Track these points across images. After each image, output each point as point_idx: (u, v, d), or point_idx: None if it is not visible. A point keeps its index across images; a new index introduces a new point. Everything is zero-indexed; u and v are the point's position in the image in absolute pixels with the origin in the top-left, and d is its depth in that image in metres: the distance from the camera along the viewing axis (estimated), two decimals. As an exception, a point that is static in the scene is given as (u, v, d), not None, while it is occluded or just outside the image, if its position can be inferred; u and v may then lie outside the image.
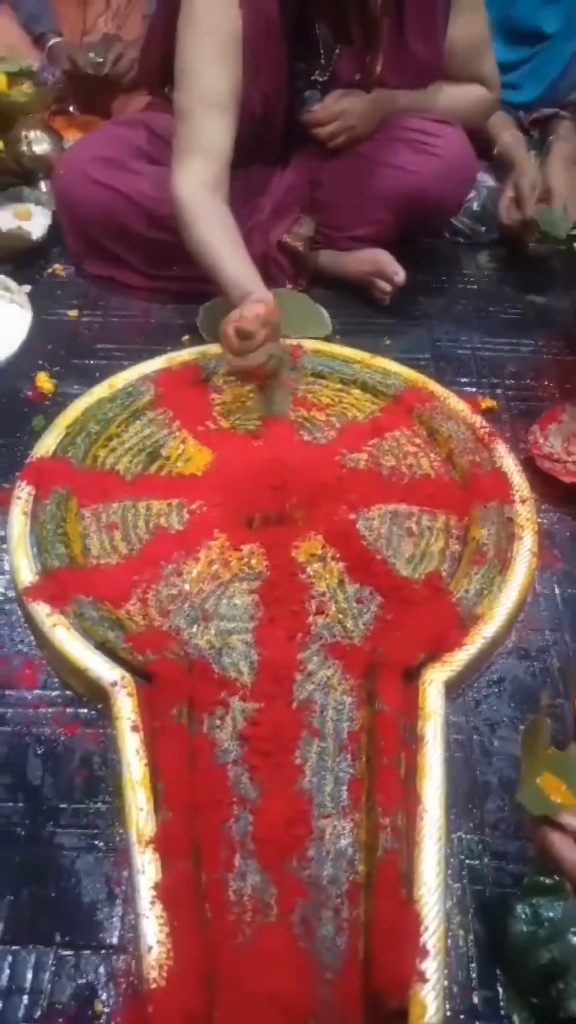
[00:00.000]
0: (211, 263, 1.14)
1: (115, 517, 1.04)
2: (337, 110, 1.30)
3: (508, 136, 1.60)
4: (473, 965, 0.71)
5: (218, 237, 1.15)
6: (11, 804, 0.80)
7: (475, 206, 1.59)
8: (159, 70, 1.35)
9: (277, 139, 1.35)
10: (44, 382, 1.26)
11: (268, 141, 1.34)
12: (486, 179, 1.66)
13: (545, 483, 1.11)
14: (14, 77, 1.59)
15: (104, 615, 0.91)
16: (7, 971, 0.70)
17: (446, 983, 0.67)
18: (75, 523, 1.02)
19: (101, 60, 1.77)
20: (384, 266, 1.39)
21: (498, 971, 0.70)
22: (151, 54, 1.36)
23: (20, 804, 0.80)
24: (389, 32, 1.23)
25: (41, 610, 0.90)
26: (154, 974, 0.65)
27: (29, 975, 0.69)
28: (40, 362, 1.30)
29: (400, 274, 1.38)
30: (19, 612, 0.96)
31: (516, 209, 1.52)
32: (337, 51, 1.29)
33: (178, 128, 1.20)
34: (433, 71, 1.33)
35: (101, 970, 0.70)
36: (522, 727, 0.87)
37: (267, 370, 1.07)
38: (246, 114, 1.26)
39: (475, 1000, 0.69)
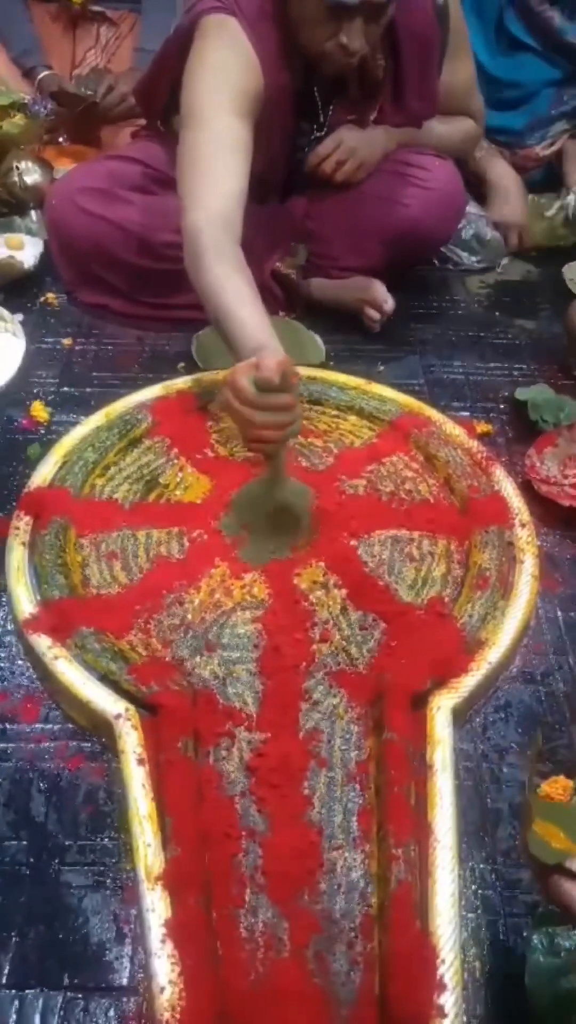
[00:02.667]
0: (224, 306, 1.02)
1: (115, 546, 1.03)
2: (335, 141, 1.33)
3: (499, 167, 1.63)
4: (491, 998, 0.69)
5: (235, 278, 1.03)
6: (15, 842, 0.78)
7: (464, 235, 1.62)
8: (163, 105, 1.37)
9: (276, 190, 1.39)
10: (39, 411, 1.25)
11: (267, 191, 1.37)
12: (473, 209, 1.70)
13: (543, 507, 1.12)
14: (6, 110, 1.61)
15: (106, 646, 0.90)
16: (14, 1016, 0.68)
17: (464, 1018, 0.66)
18: (74, 553, 1.01)
19: (92, 91, 1.79)
20: (374, 294, 1.41)
21: (517, 1003, 0.69)
22: (156, 90, 1.36)
23: (24, 842, 0.78)
24: (387, 91, 1.28)
25: (42, 642, 0.89)
26: (167, 1015, 0.64)
27: (37, 1019, 0.67)
28: (35, 391, 1.30)
29: (389, 303, 1.39)
30: (19, 645, 0.94)
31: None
32: (331, 107, 1.32)
33: (188, 168, 1.12)
34: (427, 118, 1.38)
35: (111, 1013, 0.68)
36: (529, 753, 0.87)
37: (282, 436, 0.91)
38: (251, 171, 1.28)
39: (494, 1034, 0.68)
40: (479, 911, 0.75)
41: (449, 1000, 0.65)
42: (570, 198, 1.65)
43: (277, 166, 1.32)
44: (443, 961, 0.67)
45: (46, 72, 1.88)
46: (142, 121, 1.58)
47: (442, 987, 0.66)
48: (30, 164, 1.66)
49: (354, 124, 1.33)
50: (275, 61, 1.18)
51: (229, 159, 1.12)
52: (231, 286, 1.03)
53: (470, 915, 0.74)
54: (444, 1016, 0.64)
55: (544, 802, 0.68)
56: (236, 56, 1.15)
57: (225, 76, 1.14)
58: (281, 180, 1.36)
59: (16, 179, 1.64)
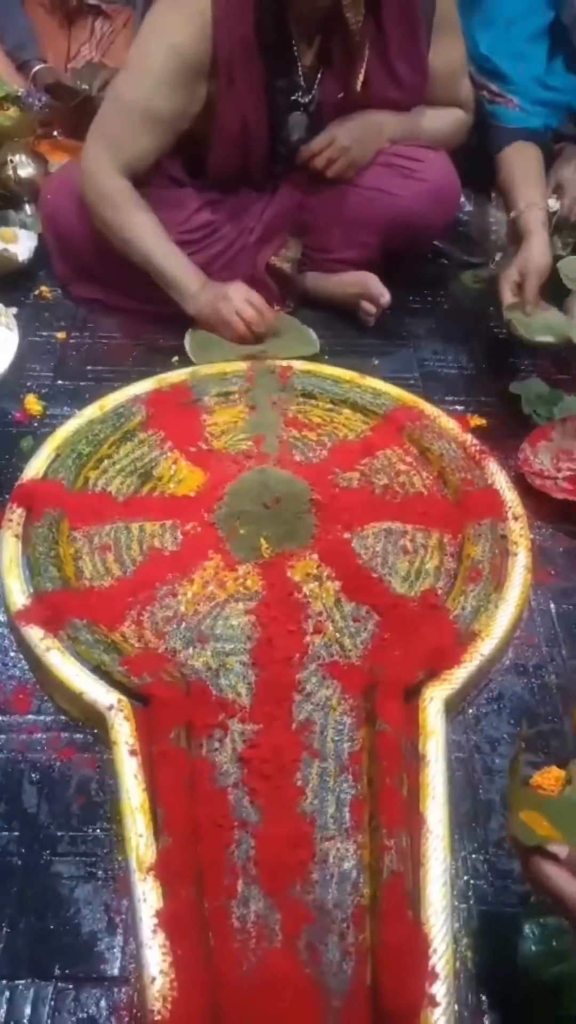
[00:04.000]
0: (152, 250, 1.27)
1: (108, 539, 1.03)
2: (328, 138, 1.32)
3: (524, 205, 1.37)
4: (483, 987, 0.69)
5: (156, 227, 1.26)
6: (6, 833, 0.78)
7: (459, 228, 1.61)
8: None
9: (262, 161, 1.36)
10: (33, 404, 1.25)
11: (253, 163, 1.35)
12: (467, 203, 1.70)
13: (537, 500, 1.12)
14: (0, 102, 1.60)
15: (99, 638, 0.89)
16: (5, 1006, 0.67)
17: (456, 1007, 0.66)
18: (67, 545, 1.01)
19: (86, 86, 1.79)
20: (370, 288, 1.41)
21: (508, 992, 0.69)
22: None
23: (16, 832, 0.78)
24: (373, 53, 1.26)
25: (35, 634, 0.89)
26: (158, 1006, 0.64)
27: (27, 1009, 0.67)
28: (28, 384, 1.30)
29: (385, 296, 1.39)
30: (11, 636, 0.94)
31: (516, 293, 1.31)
32: (320, 73, 1.31)
33: (109, 111, 1.26)
34: (418, 93, 1.36)
35: (102, 1003, 0.68)
36: (522, 743, 0.87)
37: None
38: (226, 137, 1.28)
39: (486, 1023, 0.67)
40: (471, 901, 0.75)
41: (441, 989, 0.65)
42: (554, 205, 1.61)
43: (255, 129, 1.29)
44: (435, 951, 0.67)
45: (40, 66, 1.88)
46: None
47: (434, 976, 0.66)
48: (24, 157, 1.65)
49: (343, 101, 1.31)
50: (241, 9, 1.18)
51: (145, 131, 1.25)
52: (155, 234, 1.26)
53: (462, 905, 0.74)
54: (436, 1005, 0.64)
55: (530, 793, 0.68)
56: (189, 20, 1.17)
57: (171, 42, 1.18)
58: (264, 148, 1.33)
59: (10, 172, 1.64)
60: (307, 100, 1.32)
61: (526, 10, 1.51)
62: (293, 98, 1.31)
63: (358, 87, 1.29)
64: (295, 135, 1.34)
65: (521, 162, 1.43)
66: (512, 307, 1.29)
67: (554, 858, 0.56)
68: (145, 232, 1.27)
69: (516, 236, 1.39)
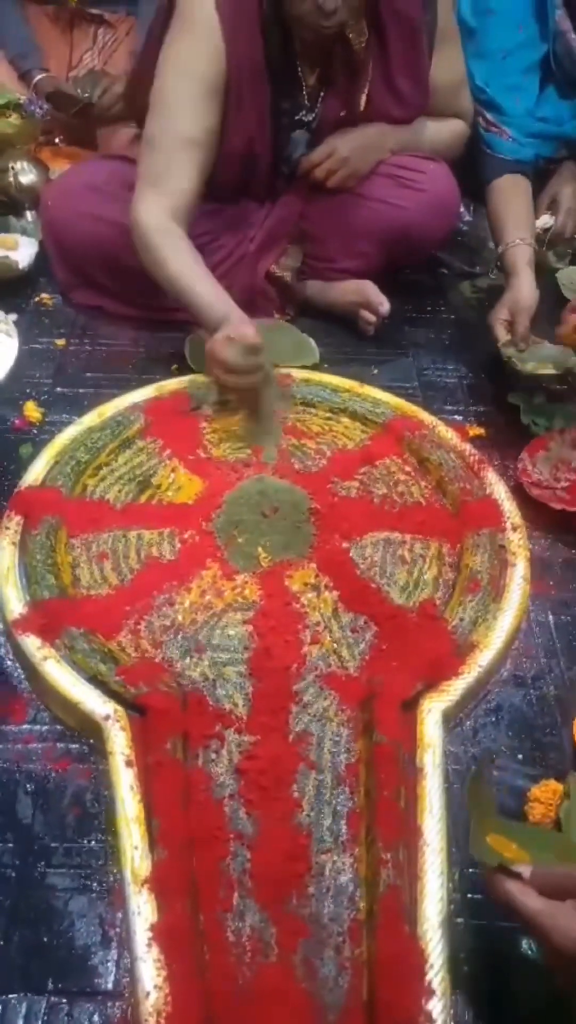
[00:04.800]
0: (183, 283, 1.18)
1: (105, 547, 1.02)
2: (328, 149, 1.33)
3: (515, 240, 1.41)
4: (479, 1003, 0.69)
5: (189, 261, 1.18)
6: (0, 844, 0.77)
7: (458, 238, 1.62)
8: (146, 104, 1.36)
9: (264, 177, 1.37)
10: (32, 411, 1.25)
11: (255, 179, 1.36)
12: (467, 213, 1.71)
13: (535, 510, 1.12)
14: (1, 109, 1.61)
15: (96, 647, 0.89)
16: (-3, 1021, 0.67)
17: (453, 1023, 0.65)
18: (65, 553, 1.01)
19: (88, 94, 1.80)
20: (369, 297, 1.41)
21: (505, 1009, 0.68)
22: (140, 88, 1.38)
23: (10, 844, 0.77)
24: (376, 72, 1.27)
25: (31, 643, 0.88)
26: (152, 1021, 0.63)
27: (20, 1024, 0.67)
28: (27, 391, 1.30)
29: (385, 305, 1.39)
30: (7, 645, 0.94)
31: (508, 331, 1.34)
32: (322, 92, 1.31)
33: (146, 156, 1.22)
34: (419, 109, 1.36)
35: (96, 1018, 0.67)
36: (520, 756, 0.86)
37: (259, 388, 1.15)
38: (229, 153, 1.28)
39: (482, 1040, 0.67)
40: (468, 916, 0.74)
41: (437, 1006, 0.64)
42: (539, 222, 1.62)
43: (259, 147, 1.30)
44: (431, 966, 0.67)
45: (42, 74, 1.88)
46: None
47: (430, 992, 0.65)
48: (26, 164, 1.66)
49: (345, 118, 1.32)
50: (249, 32, 1.19)
51: (184, 159, 1.21)
52: (186, 268, 1.19)
53: (459, 920, 0.74)
54: (432, 1021, 0.64)
55: (497, 820, 0.68)
56: (202, 40, 1.18)
57: (188, 65, 1.18)
58: (266, 166, 1.34)
59: (11, 179, 1.64)
60: (310, 119, 1.33)
61: (521, 44, 1.53)
62: (297, 117, 1.32)
63: (361, 106, 1.31)
64: (296, 152, 1.35)
65: (511, 196, 1.48)
66: (505, 344, 1.32)
67: (518, 876, 0.56)
68: (175, 268, 1.19)
69: (504, 270, 1.44)
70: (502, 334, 1.32)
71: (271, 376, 1.19)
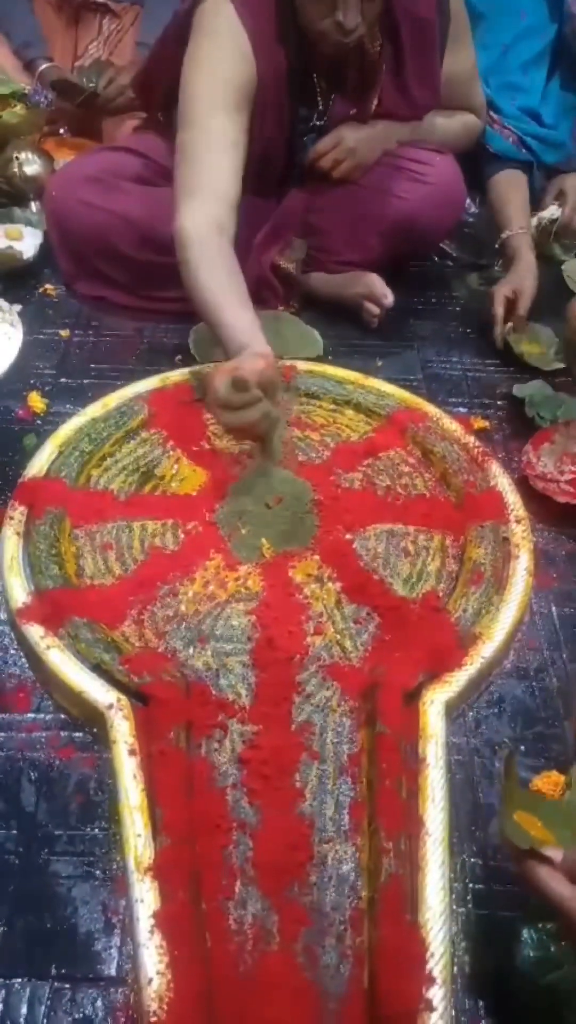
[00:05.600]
0: (212, 306, 1.07)
1: (109, 537, 1.03)
2: (335, 138, 1.32)
3: (518, 228, 1.48)
4: (480, 992, 0.69)
5: (223, 281, 1.09)
6: (4, 831, 0.78)
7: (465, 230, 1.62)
8: (162, 95, 1.36)
9: (275, 180, 1.38)
10: (36, 401, 1.25)
11: (266, 181, 1.36)
12: (473, 205, 1.70)
13: (539, 503, 1.12)
14: (6, 99, 1.61)
15: (99, 637, 0.89)
16: (0, 1005, 0.67)
17: (453, 1012, 0.65)
18: (68, 544, 1.01)
19: (92, 83, 1.79)
20: (374, 289, 1.40)
21: (506, 998, 0.68)
22: (154, 79, 1.37)
23: (13, 831, 0.78)
24: (388, 74, 1.27)
25: (35, 632, 0.89)
26: (154, 1007, 0.63)
27: (24, 1009, 0.67)
28: (31, 381, 1.30)
29: (389, 297, 1.39)
30: (11, 634, 0.94)
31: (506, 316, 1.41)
32: (332, 96, 1.31)
33: (183, 167, 1.16)
34: (429, 109, 1.37)
35: (99, 1003, 0.68)
36: (523, 747, 0.87)
37: (259, 431, 0.99)
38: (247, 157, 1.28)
39: (483, 1028, 0.67)
40: (469, 905, 0.74)
41: (438, 994, 0.65)
42: (546, 213, 1.63)
43: (275, 151, 1.31)
44: (432, 955, 0.67)
45: (47, 64, 1.88)
46: (143, 114, 1.58)
47: (431, 981, 0.65)
48: (30, 155, 1.66)
49: (355, 118, 1.32)
50: (271, 43, 1.18)
51: (221, 161, 1.16)
52: (218, 290, 1.08)
53: (460, 909, 0.74)
54: (432, 1010, 0.64)
55: (525, 794, 0.67)
56: (229, 47, 1.16)
57: (218, 73, 1.16)
58: (280, 168, 1.35)
59: (16, 170, 1.64)
60: (321, 123, 1.34)
61: (528, 30, 1.53)
62: (311, 124, 1.33)
63: (372, 109, 1.31)
64: (306, 154, 1.35)
65: (510, 188, 1.54)
66: (505, 330, 1.40)
67: (548, 861, 0.56)
68: (205, 288, 1.09)
69: (505, 255, 1.50)
70: (501, 310, 1.39)
71: (277, 422, 1.01)
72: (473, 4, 1.45)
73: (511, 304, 1.40)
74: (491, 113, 1.53)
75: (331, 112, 1.32)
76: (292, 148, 1.33)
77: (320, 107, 1.31)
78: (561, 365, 1.38)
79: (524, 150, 1.55)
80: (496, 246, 1.53)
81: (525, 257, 1.44)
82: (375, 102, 1.31)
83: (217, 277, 1.09)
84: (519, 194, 1.54)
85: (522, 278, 1.41)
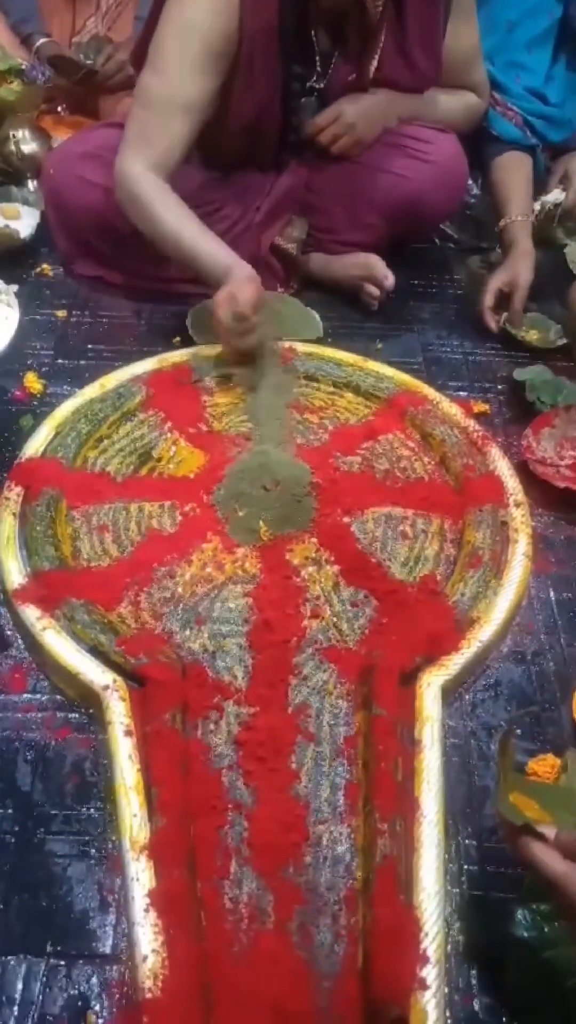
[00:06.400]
0: (181, 238, 1.16)
1: (106, 519, 1.02)
2: (334, 112, 1.30)
3: (517, 215, 1.45)
4: (473, 971, 0.70)
5: (182, 213, 1.17)
6: (0, 811, 0.78)
7: (466, 212, 1.60)
8: None
9: (272, 145, 1.35)
10: (33, 382, 1.24)
11: (263, 147, 1.34)
12: (475, 186, 1.68)
13: (538, 487, 1.11)
14: (3, 75, 1.58)
15: (95, 618, 0.89)
16: (-3, 982, 0.68)
17: (446, 990, 0.66)
18: (65, 525, 1.01)
19: (91, 60, 1.76)
20: (374, 270, 1.39)
21: (499, 977, 0.69)
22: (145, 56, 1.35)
23: (10, 811, 0.78)
24: (389, 38, 1.24)
25: (31, 613, 0.89)
26: (149, 984, 0.64)
27: (19, 985, 0.67)
28: (28, 362, 1.29)
29: (389, 279, 1.38)
30: (8, 615, 0.94)
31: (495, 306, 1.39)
32: (334, 57, 1.29)
33: (137, 112, 1.19)
34: (431, 79, 1.34)
35: (94, 980, 0.68)
36: (519, 731, 0.87)
37: (256, 349, 1.16)
38: (238, 121, 1.26)
39: (476, 1007, 0.68)
40: (464, 886, 0.75)
41: (432, 973, 0.65)
42: (550, 196, 1.61)
43: (269, 114, 1.28)
44: (426, 935, 0.67)
45: (44, 39, 1.85)
46: (141, 91, 1.55)
47: (425, 960, 0.66)
48: (27, 133, 1.63)
49: (355, 81, 1.29)
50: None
51: (175, 125, 1.18)
52: (182, 221, 1.17)
53: (455, 890, 0.74)
54: (426, 988, 0.64)
55: (521, 777, 0.67)
56: (212, 6, 1.13)
57: (193, 26, 1.14)
58: (276, 133, 1.32)
59: (13, 148, 1.62)
60: (321, 85, 1.30)
61: (529, 11, 1.50)
62: (308, 84, 1.30)
63: (372, 72, 1.28)
64: (305, 119, 1.32)
65: (512, 172, 1.51)
66: (499, 321, 1.39)
67: (542, 838, 0.56)
68: (172, 223, 1.17)
69: (503, 243, 1.46)
70: (491, 300, 1.37)
71: (271, 350, 1.19)
72: None
73: (505, 296, 1.38)
74: (495, 93, 1.50)
75: (331, 75, 1.29)
76: (287, 111, 1.30)
77: (319, 68, 1.28)
78: (562, 342, 1.36)
79: (529, 132, 1.53)
80: (496, 231, 1.50)
81: (522, 246, 1.40)
82: (375, 65, 1.27)
83: (175, 210, 1.17)
84: (521, 179, 1.50)
85: (516, 271, 1.37)
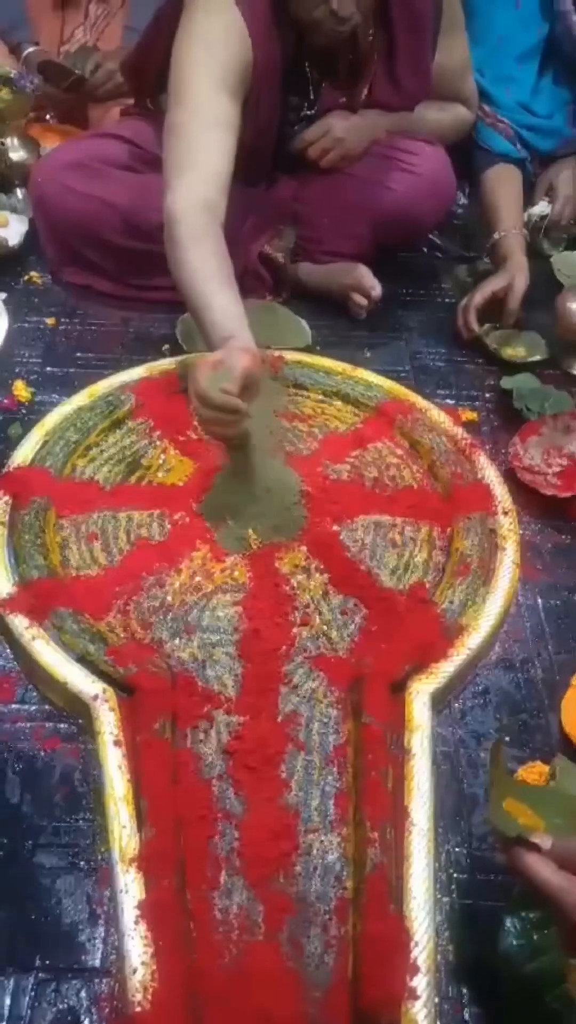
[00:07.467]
0: (198, 290, 1.02)
1: (95, 528, 1.02)
2: (323, 127, 1.32)
3: (511, 228, 1.45)
4: (464, 980, 0.70)
5: (212, 264, 1.03)
6: (-12, 822, 0.77)
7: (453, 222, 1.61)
8: (153, 80, 1.34)
9: (264, 168, 1.37)
10: (21, 390, 1.24)
11: (255, 169, 1.35)
12: (462, 197, 1.70)
13: (526, 495, 1.12)
14: (-9, 84, 1.58)
15: (84, 627, 0.89)
16: (-15, 997, 0.67)
17: (437, 1000, 0.66)
18: (53, 533, 1.00)
19: (80, 69, 1.77)
20: (362, 280, 1.40)
21: (489, 986, 0.69)
22: (146, 63, 1.35)
23: (-2, 822, 0.77)
24: (380, 65, 1.27)
25: (19, 623, 0.88)
26: (139, 996, 0.63)
27: (8, 1000, 0.67)
28: (17, 370, 1.29)
29: (376, 289, 1.39)
30: (-4, 624, 0.93)
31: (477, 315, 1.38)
32: (323, 85, 1.30)
33: (173, 144, 1.12)
34: (419, 99, 1.36)
35: (83, 994, 0.68)
36: (507, 738, 0.87)
37: (234, 438, 0.94)
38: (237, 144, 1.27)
39: (466, 1016, 0.68)
40: (454, 895, 0.75)
41: (422, 982, 0.65)
42: (536, 209, 1.62)
43: (265, 141, 1.30)
44: (416, 944, 0.67)
45: (32, 48, 1.85)
46: (130, 100, 1.56)
47: (415, 969, 0.66)
48: (16, 141, 1.63)
49: (345, 106, 1.31)
50: (265, 31, 1.17)
51: (214, 139, 1.11)
52: (205, 274, 1.02)
53: (445, 899, 0.74)
54: (416, 998, 0.64)
55: (512, 781, 0.68)
56: (225, 29, 1.13)
57: (213, 51, 1.13)
58: (269, 156, 1.34)
59: (1, 156, 1.62)
60: (312, 112, 1.32)
61: (519, 25, 1.52)
62: (302, 113, 1.32)
63: (362, 98, 1.30)
64: (295, 142, 1.34)
65: (503, 185, 1.50)
66: (485, 331, 1.38)
67: (536, 848, 0.56)
68: (195, 273, 1.04)
69: (496, 255, 1.46)
70: (476, 308, 1.37)
71: (249, 441, 0.95)
72: None
73: (497, 303, 1.38)
74: (485, 106, 1.51)
75: (321, 101, 1.31)
76: (281, 137, 1.32)
77: (311, 96, 1.30)
78: (540, 358, 1.37)
79: (519, 146, 1.54)
80: (488, 246, 1.49)
81: (517, 258, 1.40)
82: (365, 91, 1.30)
83: (206, 259, 1.03)
84: (512, 192, 1.50)
85: (513, 275, 1.37)
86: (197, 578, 0.97)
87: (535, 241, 1.61)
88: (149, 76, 1.36)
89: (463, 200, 1.73)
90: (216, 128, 1.12)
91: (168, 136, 1.13)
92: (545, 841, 0.56)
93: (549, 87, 1.59)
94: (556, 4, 1.50)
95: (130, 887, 0.69)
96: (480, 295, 1.38)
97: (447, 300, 1.54)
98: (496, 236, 1.45)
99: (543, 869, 0.55)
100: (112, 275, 1.42)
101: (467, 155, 1.55)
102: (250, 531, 1.00)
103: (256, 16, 1.15)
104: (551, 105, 1.58)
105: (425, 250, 1.64)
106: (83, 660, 0.85)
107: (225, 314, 0.99)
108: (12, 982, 0.68)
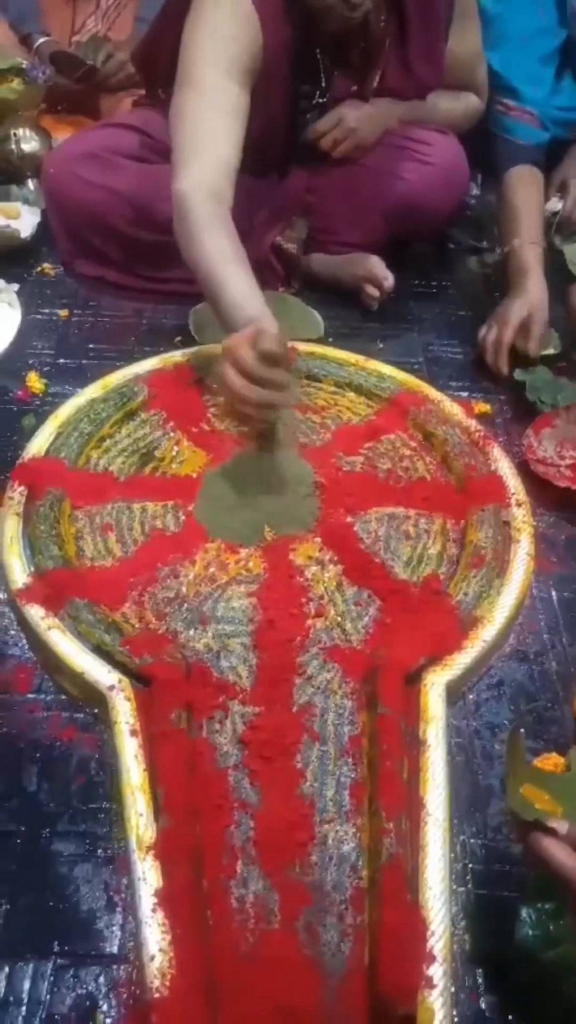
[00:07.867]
0: (215, 275, 1.00)
1: (109, 519, 1.02)
2: (335, 117, 1.31)
3: (528, 240, 1.37)
4: (479, 970, 0.70)
5: (226, 249, 1.02)
6: (6, 811, 0.78)
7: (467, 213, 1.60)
8: (164, 70, 1.34)
9: (277, 158, 1.36)
10: (34, 382, 1.24)
11: (267, 160, 1.34)
12: (476, 188, 1.69)
13: (540, 487, 1.11)
14: (3, 74, 1.58)
15: (100, 618, 0.89)
16: (4, 982, 0.68)
17: (453, 988, 0.66)
18: (68, 524, 1.01)
19: (91, 60, 1.76)
20: (374, 271, 1.39)
21: (505, 975, 0.69)
22: (157, 52, 1.34)
23: (16, 811, 0.78)
24: (392, 52, 1.25)
25: (36, 613, 0.89)
26: (156, 983, 0.64)
27: (27, 985, 0.68)
28: (30, 362, 1.29)
29: (389, 280, 1.38)
30: (12, 615, 0.94)
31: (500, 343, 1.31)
32: (335, 73, 1.29)
33: (181, 129, 1.11)
34: (432, 87, 1.35)
35: (101, 980, 0.68)
36: (522, 730, 0.87)
37: (270, 417, 0.91)
38: (248, 134, 1.26)
39: (482, 1005, 0.68)
40: (469, 885, 0.75)
41: (438, 972, 0.65)
42: (548, 205, 1.59)
43: (277, 130, 1.29)
44: (432, 933, 0.67)
45: (43, 39, 1.85)
46: (141, 91, 1.55)
47: (431, 959, 0.66)
48: (28, 132, 1.64)
49: (357, 95, 1.31)
50: (275, 17, 1.16)
51: (222, 126, 1.11)
52: (222, 257, 1.01)
53: (460, 888, 0.74)
54: (433, 987, 0.64)
55: (530, 768, 0.68)
56: (235, 15, 1.13)
57: (223, 38, 1.12)
58: (281, 146, 1.33)
59: (13, 147, 1.62)
60: (324, 100, 1.32)
61: (541, 29, 1.51)
62: (314, 102, 1.31)
63: (374, 86, 1.29)
64: (307, 132, 1.34)
65: (525, 191, 1.43)
66: (519, 375, 1.29)
67: (553, 833, 0.56)
68: (210, 252, 1.03)
69: (511, 267, 1.37)
70: (505, 365, 1.29)
71: (289, 426, 0.92)
72: (486, 6, 1.41)
73: (523, 330, 1.30)
74: (509, 101, 1.47)
75: (333, 89, 1.30)
76: (293, 126, 1.31)
77: (323, 84, 1.29)
78: (554, 351, 1.35)
79: (547, 127, 1.51)
80: (504, 251, 1.42)
81: (534, 275, 1.32)
82: (377, 79, 1.29)
83: (220, 244, 1.02)
84: (534, 198, 1.43)
85: (531, 301, 1.30)
86: (211, 569, 0.97)
87: (547, 237, 1.60)
88: (160, 66, 1.35)
89: (476, 191, 1.72)
90: (225, 115, 1.11)
91: (175, 123, 1.12)
92: (562, 826, 0.56)
93: (569, 85, 1.58)
94: (569, 8, 1.50)
95: (147, 875, 0.69)
96: (511, 331, 1.29)
97: (460, 292, 1.53)
98: (515, 243, 1.38)
99: (559, 853, 0.55)
100: (124, 266, 1.42)
101: (480, 145, 1.54)
102: (265, 523, 1.00)
103: (266, 2, 1.14)
104: (572, 100, 1.57)
105: (438, 241, 1.63)
106: (98, 650, 0.86)
107: (245, 296, 0.98)
108: (31, 967, 0.68)
